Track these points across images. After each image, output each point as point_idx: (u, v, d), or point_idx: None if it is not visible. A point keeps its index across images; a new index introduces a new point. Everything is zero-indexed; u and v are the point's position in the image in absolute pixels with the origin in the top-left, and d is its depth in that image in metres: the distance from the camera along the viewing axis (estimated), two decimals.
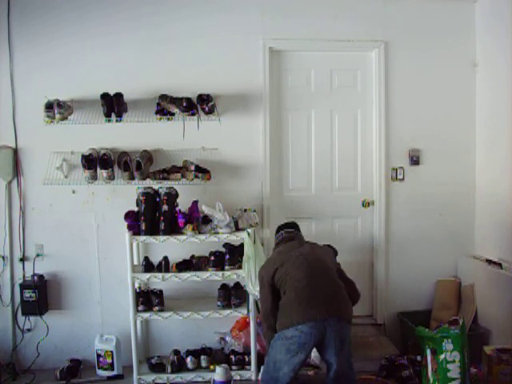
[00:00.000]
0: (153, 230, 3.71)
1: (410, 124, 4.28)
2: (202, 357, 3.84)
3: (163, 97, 3.85)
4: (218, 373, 3.49)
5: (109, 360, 3.89)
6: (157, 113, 3.88)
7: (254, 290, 3.60)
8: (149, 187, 3.80)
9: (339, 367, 2.95)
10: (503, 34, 3.93)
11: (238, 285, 3.89)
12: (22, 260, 4.00)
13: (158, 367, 3.81)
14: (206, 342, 4.02)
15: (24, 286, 3.91)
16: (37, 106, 3.80)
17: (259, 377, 3.56)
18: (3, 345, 3.98)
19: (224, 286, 3.89)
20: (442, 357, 3.23)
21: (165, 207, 3.71)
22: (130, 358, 3.76)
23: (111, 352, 3.88)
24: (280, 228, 3.57)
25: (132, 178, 3.83)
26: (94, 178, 3.81)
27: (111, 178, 3.84)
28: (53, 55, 3.96)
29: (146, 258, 3.84)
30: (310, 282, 3.00)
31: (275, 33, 4.11)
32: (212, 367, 3.74)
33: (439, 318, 4.05)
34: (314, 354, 3.56)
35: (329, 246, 3.81)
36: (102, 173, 3.80)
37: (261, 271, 3.29)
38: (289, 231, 3.48)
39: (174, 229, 3.75)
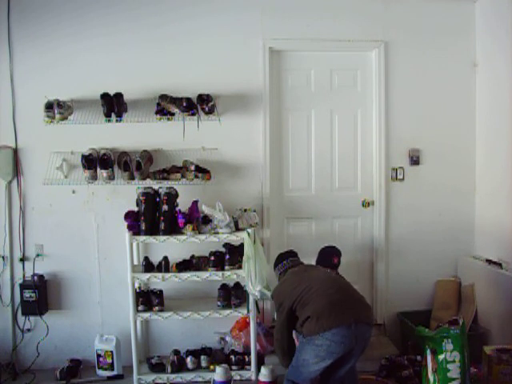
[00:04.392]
0: (153, 230, 3.71)
1: (409, 124, 4.29)
2: (202, 357, 3.84)
3: (163, 97, 3.85)
4: (218, 373, 3.50)
5: (109, 360, 3.89)
6: (157, 113, 3.88)
7: (253, 290, 3.60)
8: (149, 187, 3.80)
9: (353, 366, 3.14)
10: (503, 34, 3.93)
11: (238, 285, 3.89)
12: (22, 260, 4.00)
13: (157, 367, 3.81)
14: (205, 342, 4.02)
15: (24, 286, 3.91)
16: (37, 106, 3.80)
17: (259, 377, 3.58)
18: (3, 345, 3.98)
19: (224, 286, 3.89)
20: (441, 357, 3.23)
21: (165, 207, 3.71)
22: (130, 358, 3.76)
23: (111, 352, 3.88)
24: (282, 257, 3.54)
25: (132, 178, 3.83)
26: (94, 177, 3.81)
27: (111, 178, 3.84)
28: (53, 55, 3.96)
29: (146, 258, 3.84)
30: (340, 291, 3.10)
31: (275, 33, 4.11)
32: (212, 367, 3.74)
33: (439, 318, 4.05)
34: None
35: (334, 248, 3.81)
36: (102, 173, 3.80)
37: (279, 295, 3.24)
38: (294, 259, 3.51)
39: (174, 229, 3.74)
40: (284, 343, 3.21)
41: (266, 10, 4.10)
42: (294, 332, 3.26)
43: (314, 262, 3.80)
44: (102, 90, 3.79)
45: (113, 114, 3.80)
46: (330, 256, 3.73)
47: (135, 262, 3.87)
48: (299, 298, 3.07)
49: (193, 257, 3.90)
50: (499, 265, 3.89)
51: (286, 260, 3.50)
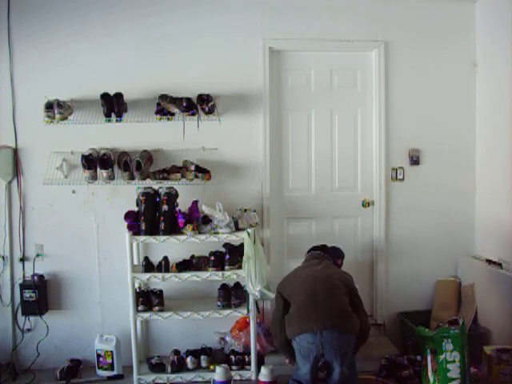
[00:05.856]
0: (153, 230, 3.71)
1: (409, 124, 4.28)
2: (202, 357, 3.84)
3: (163, 97, 3.85)
4: (218, 373, 3.50)
5: (109, 360, 3.89)
6: (157, 113, 3.88)
7: (253, 290, 3.60)
8: (149, 187, 3.80)
9: (342, 374, 3.09)
10: (503, 34, 3.93)
11: (238, 285, 3.89)
12: (22, 260, 4.00)
13: (157, 367, 3.81)
14: (205, 342, 4.02)
15: (24, 286, 3.91)
16: (37, 106, 3.80)
17: (259, 377, 3.58)
18: (3, 345, 3.98)
19: (224, 286, 3.89)
20: (441, 357, 3.23)
21: (165, 207, 3.71)
22: (130, 358, 3.75)
23: (111, 352, 3.88)
24: (309, 250, 3.71)
25: (132, 178, 3.83)
26: (94, 177, 3.82)
27: (111, 178, 3.84)
28: (53, 55, 3.96)
29: (146, 258, 3.84)
30: (311, 297, 3.15)
31: (275, 33, 4.11)
32: (212, 367, 3.74)
33: (439, 318, 4.05)
34: None
35: (339, 249, 3.81)
36: (102, 173, 3.80)
37: (279, 285, 3.43)
38: (314, 253, 3.62)
39: (174, 229, 3.74)
40: (282, 338, 3.25)
41: (266, 9, 4.10)
42: None
43: None
44: (102, 90, 3.79)
45: (113, 114, 3.80)
46: (334, 257, 3.73)
47: (135, 262, 3.87)
48: (288, 295, 3.26)
49: (193, 257, 3.90)
50: (499, 265, 3.89)
51: (309, 253, 3.66)
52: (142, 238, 3.71)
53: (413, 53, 4.26)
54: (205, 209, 3.81)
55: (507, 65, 3.88)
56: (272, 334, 3.47)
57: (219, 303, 3.82)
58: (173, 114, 3.87)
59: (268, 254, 4.07)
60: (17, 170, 3.98)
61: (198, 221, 3.78)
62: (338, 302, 3.15)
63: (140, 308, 3.74)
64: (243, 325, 3.94)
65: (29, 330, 4.01)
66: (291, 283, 3.33)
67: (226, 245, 3.82)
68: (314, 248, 3.70)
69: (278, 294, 3.36)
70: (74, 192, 4.02)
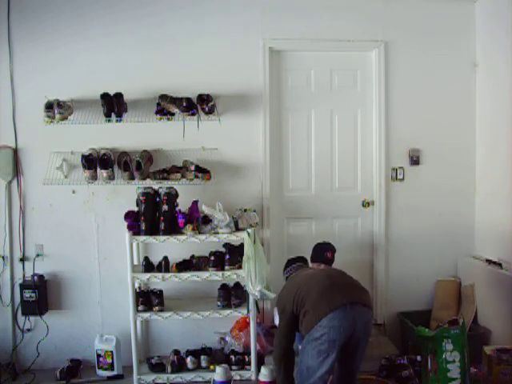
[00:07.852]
0: (153, 230, 3.71)
1: (410, 124, 4.29)
2: (202, 357, 3.84)
3: (163, 97, 3.85)
4: (218, 373, 3.49)
5: (109, 360, 3.89)
6: (157, 113, 3.88)
7: (253, 290, 3.59)
8: (149, 187, 3.81)
9: (356, 365, 3.05)
10: (503, 34, 3.93)
11: (238, 285, 3.89)
12: (22, 260, 4.00)
13: (157, 367, 3.81)
14: (206, 342, 4.02)
15: (24, 286, 3.91)
16: (37, 106, 3.80)
17: (259, 377, 3.57)
18: (3, 345, 3.98)
19: (224, 286, 3.89)
20: (442, 357, 3.23)
21: (165, 207, 3.71)
22: (130, 358, 3.75)
23: (111, 352, 3.88)
24: (290, 262, 3.65)
25: (132, 178, 3.83)
26: (94, 178, 3.82)
27: (111, 178, 3.84)
28: (53, 55, 3.97)
29: (146, 258, 3.84)
30: (329, 278, 3.09)
31: (275, 33, 4.11)
32: (212, 367, 3.74)
33: (439, 317, 4.05)
34: None
35: (328, 243, 3.81)
36: (102, 173, 3.80)
37: (281, 301, 3.21)
38: (300, 264, 3.59)
39: (174, 229, 3.74)
40: (281, 352, 3.12)
41: (266, 9, 4.10)
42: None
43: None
44: (102, 90, 3.79)
45: (113, 114, 3.80)
46: (323, 251, 3.73)
47: (135, 262, 3.87)
48: (298, 300, 3.04)
49: (193, 257, 3.90)
50: (499, 265, 3.89)
51: (291, 266, 3.57)
52: (142, 238, 3.71)
53: (413, 53, 4.26)
54: (205, 209, 3.81)
55: (507, 65, 3.88)
56: (273, 352, 3.22)
57: (219, 303, 3.82)
58: (173, 114, 3.87)
59: (268, 254, 4.07)
60: (17, 170, 3.98)
61: (198, 221, 3.78)
62: (354, 280, 3.16)
63: (140, 308, 3.74)
64: (243, 325, 3.95)
65: (29, 329, 4.01)
66: (294, 290, 3.10)
67: (226, 245, 3.82)
68: (293, 261, 3.64)
69: (282, 309, 3.13)
70: (73, 192, 4.02)
